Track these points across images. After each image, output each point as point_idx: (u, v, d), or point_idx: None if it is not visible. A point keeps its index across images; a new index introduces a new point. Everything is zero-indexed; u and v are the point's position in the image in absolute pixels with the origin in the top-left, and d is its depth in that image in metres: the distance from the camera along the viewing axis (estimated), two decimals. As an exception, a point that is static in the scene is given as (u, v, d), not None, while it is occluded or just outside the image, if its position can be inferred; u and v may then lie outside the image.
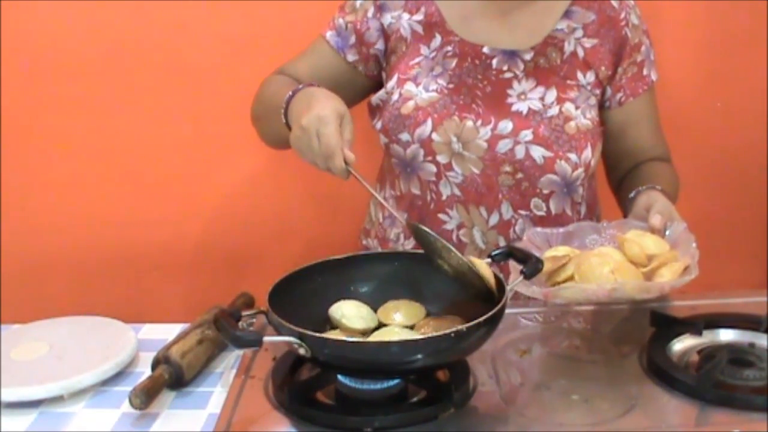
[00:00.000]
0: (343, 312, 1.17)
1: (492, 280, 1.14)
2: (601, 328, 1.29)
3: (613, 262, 1.19)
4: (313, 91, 1.28)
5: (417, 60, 1.43)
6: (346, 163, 1.18)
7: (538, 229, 1.33)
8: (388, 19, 1.45)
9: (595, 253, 1.23)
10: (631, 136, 1.51)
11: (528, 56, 1.43)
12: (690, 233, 1.26)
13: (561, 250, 1.24)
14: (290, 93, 1.29)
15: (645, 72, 1.49)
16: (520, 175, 1.39)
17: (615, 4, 1.46)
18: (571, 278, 1.19)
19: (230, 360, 1.23)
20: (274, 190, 1.95)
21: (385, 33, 1.45)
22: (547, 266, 1.22)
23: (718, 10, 1.88)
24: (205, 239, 1.98)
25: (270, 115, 1.35)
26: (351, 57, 1.47)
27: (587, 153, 1.40)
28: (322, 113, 1.18)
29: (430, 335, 1.05)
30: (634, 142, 1.51)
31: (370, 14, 1.45)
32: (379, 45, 1.46)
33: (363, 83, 1.49)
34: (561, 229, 1.32)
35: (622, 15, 1.46)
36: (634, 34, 1.46)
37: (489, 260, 1.20)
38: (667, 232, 1.28)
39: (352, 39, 1.46)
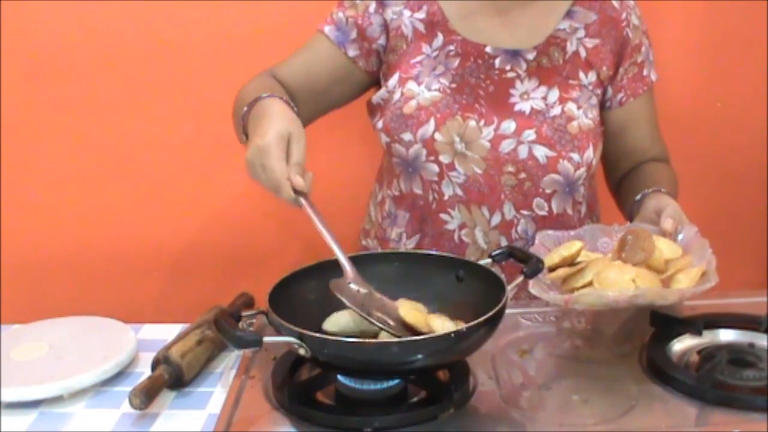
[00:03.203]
0: (329, 329, 1.16)
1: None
2: (601, 328, 1.29)
3: (633, 270, 1.18)
4: (264, 107, 1.22)
5: (419, 59, 1.43)
6: (296, 192, 1.12)
7: (549, 231, 1.32)
8: (389, 14, 1.44)
9: (616, 264, 1.21)
10: (630, 136, 1.51)
11: (530, 56, 1.42)
12: (702, 238, 1.25)
13: (575, 246, 1.23)
14: (245, 109, 1.26)
15: (645, 72, 1.49)
16: (522, 175, 1.39)
17: (616, 4, 1.46)
18: (589, 284, 1.19)
19: (230, 360, 1.23)
20: (274, 190, 1.95)
21: (387, 29, 1.45)
22: (564, 271, 1.22)
23: (718, 10, 1.88)
24: (205, 239, 1.98)
25: (236, 124, 1.32)
26: (352, 52, 1.46)
27: (589, 153, 1.40)
28: (262, 143, 1.12)
29: (429, 335, 1.05)
30: (634, 141, 1.51)
31: (371, 9, 1.45)
32: (381, 41, 1.45)
33: (361, 79, 1.49)
34: (572, 232, 1.32)
35: (623, 15, 1.46)
36: (634, 35, 1.46)
37: (489, 260, 1.20)
38: (680, 237, 1.27)
39: (354, 34, 1.45)
